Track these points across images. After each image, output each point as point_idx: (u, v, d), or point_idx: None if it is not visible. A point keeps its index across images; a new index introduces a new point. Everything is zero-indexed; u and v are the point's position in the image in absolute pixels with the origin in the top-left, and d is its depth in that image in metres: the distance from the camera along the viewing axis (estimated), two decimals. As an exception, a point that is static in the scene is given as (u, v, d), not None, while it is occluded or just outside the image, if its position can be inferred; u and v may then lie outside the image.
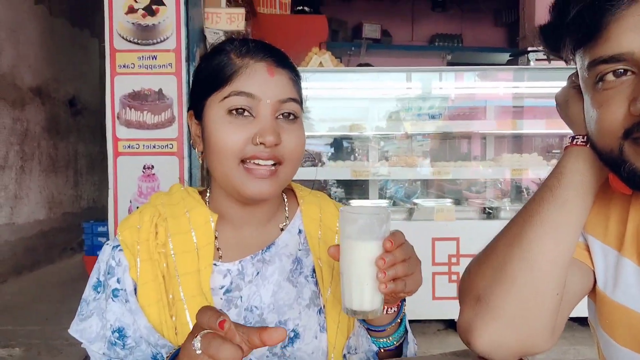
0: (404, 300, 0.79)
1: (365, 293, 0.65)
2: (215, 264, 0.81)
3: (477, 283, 0.70)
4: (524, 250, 0.66)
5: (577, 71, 0.70)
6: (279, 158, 0.76)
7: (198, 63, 0.85)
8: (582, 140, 0.68)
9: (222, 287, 0.80)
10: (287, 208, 0.89)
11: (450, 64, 6.66)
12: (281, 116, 0.78)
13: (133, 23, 2.56)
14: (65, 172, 5.12)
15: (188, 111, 0.85)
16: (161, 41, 2.57)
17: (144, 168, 2.63)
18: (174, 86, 2.59)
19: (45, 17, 4.72)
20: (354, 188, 3.50)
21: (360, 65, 5.54)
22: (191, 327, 0.69)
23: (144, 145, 2.62)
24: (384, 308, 0.73)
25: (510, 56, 3.80)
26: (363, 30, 6.60)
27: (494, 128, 3.30)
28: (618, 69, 0.60)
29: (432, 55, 6.79)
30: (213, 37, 2.71)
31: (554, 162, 3.13)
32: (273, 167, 0.76)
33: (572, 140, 0.70)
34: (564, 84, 0.78)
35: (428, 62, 6.56)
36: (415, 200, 3.30)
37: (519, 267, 0.66)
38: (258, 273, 0.82)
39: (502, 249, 0.69)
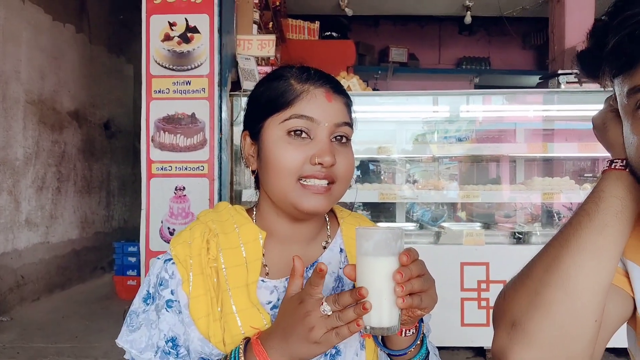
0: (422, 321, 0.80)
1: (383, 308, 0.67)
2: (262, 280, 0.84)
3: (513, 307, 0.69)
4: (562, 276, 0.65)
5: (614, 95, 0.70)
6: (332, 177, 0.81)
7: (255, 88, 0.89)
8: (621, 164, 0.68)
9: (269, 303, 0.83)
10: (329, 227, 0.93)
11: (478, 86, 6.64)
12: (335, 139, 0.82)
13: (169, 50, 2.66)
14: (98, 192, 5.28)
15: (242, 132, 0.89)
16: (195, 67, 2.65)
17: (176, 189, 2.69)
18: (206, 110, 2.66)
19: (85, 45, 4.95)
20: (382, 211, 3.48)
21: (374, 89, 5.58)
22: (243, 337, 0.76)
23: (176, 167, 2.69)
24: (402, 330, 0.75)
25: (540, 79, 3.77)
26: (390, 54, 6.66)
27: (524, 151, 3.26)
28: None
29: (460, 78, 6.79)
30: (245, 62, 2.79)
31: (586, 186, 3.07)
32: (327, 185, 0.81)
33: (611, 164, 0.69)
34: (596, 106, 0.77)
35: (455, 85, 6.56)
36: (443, 224, 3.26)
37: (556, 292, 0.65)
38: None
39: (539, 273, 0.68)
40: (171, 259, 0.83)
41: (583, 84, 2.67)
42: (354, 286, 0.86)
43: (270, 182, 0.82)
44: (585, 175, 3.77)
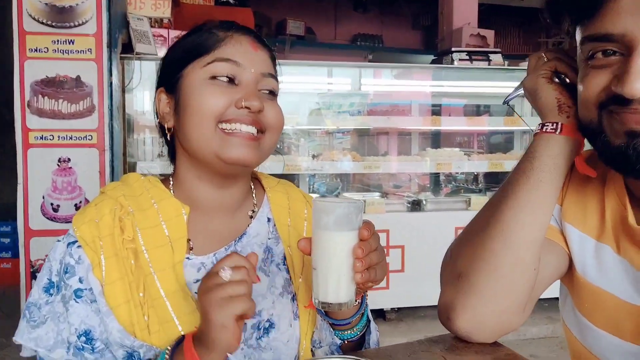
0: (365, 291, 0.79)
1: (341, 284, 0.65)
2: (188, 258, 0.77)
3: (459, 262, 0.73)
4: (503, 229, 0.69)
5: (546, 62, 0.73)
6: (262, 125, 0.75)
7: (173, 44, 0.82)
8: (552, 127, 0.72)
9: (197, 282, 0.76)
10: (254, 196, 0.87)
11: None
12: (260, 91, 0.77)
13: (46, 3, 2.34)
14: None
15: (156, 90, 0.81)
16: (79, 24, 2.37)
17: (59, 161, 2.42)
18: (94, 73, 2.41)
19: None
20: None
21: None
22: (177, 322, 0.71)
23: (59, 137, 2.41)
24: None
25: (435, 56, 3.97)
26: (287, 27, 6.59)
27: (418, 124, 3.44)
28: (607, 49, 0.61)
29: (355, 54, 6.95)
30: (137, 23, 2.57)
31: (474, 157, 3.33)
32: (256, 135, 0.75)
33: (542, 127, 0.73)
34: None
35: (351, 59, 6.70)
36: (345, 194, 3.35)
37: (498, 244, 0.69)
38: None
39: (481, 228, 0.72)
40: (76, 241, 0.72)
41: (474, 61, 2.88)
42: (282, 261, 0.83)
43: (190, 133, 0.74)
44: (470, 149, 4.10)
